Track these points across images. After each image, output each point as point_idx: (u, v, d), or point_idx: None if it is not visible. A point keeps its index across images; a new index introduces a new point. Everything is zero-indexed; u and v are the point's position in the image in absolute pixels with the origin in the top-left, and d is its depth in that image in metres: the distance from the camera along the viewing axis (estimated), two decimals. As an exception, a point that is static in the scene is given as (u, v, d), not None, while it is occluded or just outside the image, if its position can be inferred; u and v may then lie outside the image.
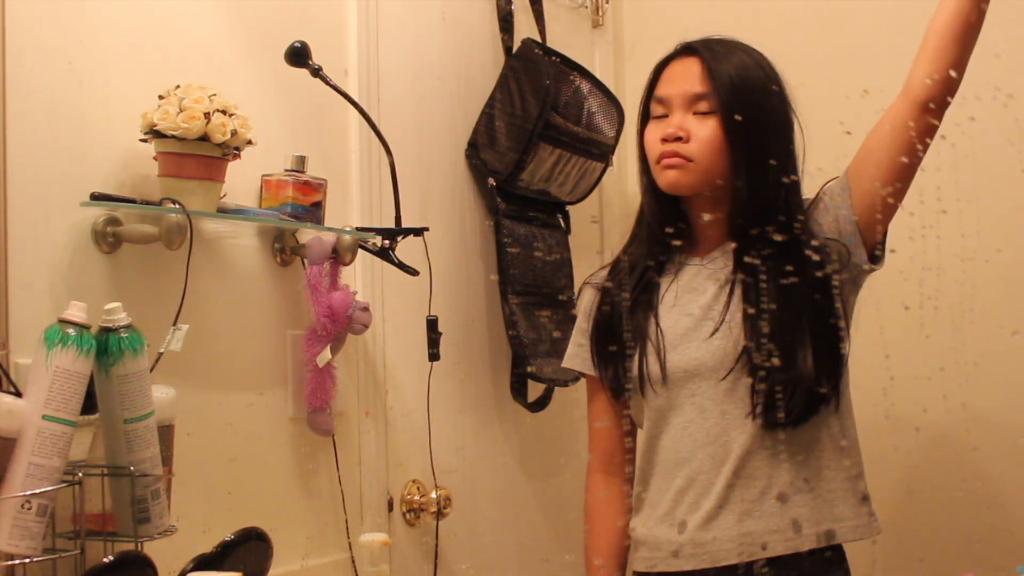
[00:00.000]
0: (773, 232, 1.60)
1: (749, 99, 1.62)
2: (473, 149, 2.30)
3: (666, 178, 1.65)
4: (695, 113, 1.64)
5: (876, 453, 2.15)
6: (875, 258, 1.65)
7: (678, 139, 1.63)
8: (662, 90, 1.68)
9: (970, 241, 2.14)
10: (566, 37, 2.56)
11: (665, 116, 1.66)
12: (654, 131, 1.67)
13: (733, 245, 1.66)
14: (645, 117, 1.71)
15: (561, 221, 2.47)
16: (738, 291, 1.63)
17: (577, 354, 1.78)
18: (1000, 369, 2.18)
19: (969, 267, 2.13)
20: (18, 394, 1.36)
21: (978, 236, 2.15)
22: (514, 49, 2.35)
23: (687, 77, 1.66)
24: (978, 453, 2.20)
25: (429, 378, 2.06)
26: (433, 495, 2.08)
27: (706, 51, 1.66)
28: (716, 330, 1.62)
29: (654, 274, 1.70)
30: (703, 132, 1.62)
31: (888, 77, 2.31)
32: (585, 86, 2.36)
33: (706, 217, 1.67)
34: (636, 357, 1.66)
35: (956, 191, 2.16)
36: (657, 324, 1.66)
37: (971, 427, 2.19)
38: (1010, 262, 2.18)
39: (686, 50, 1.69)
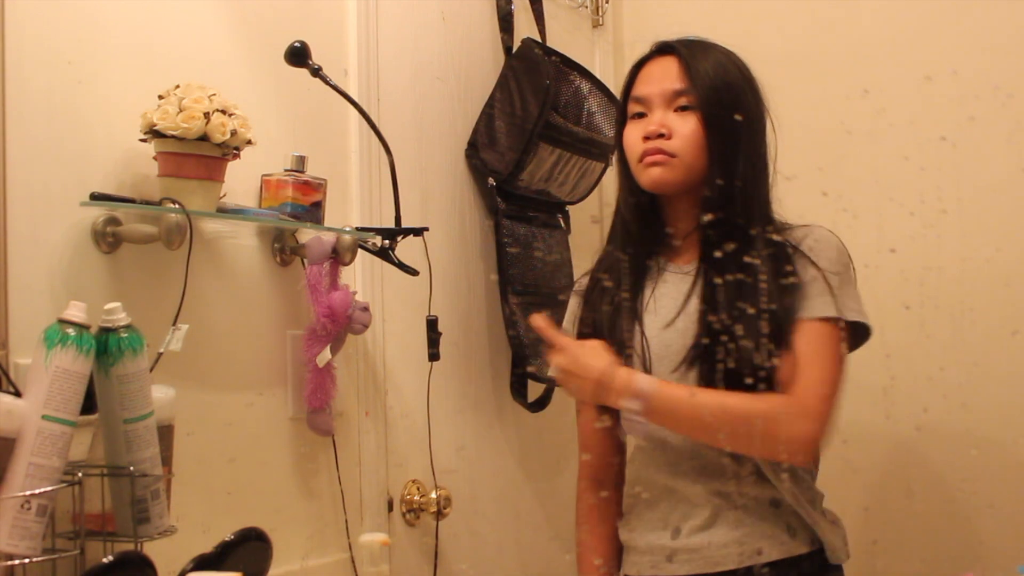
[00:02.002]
0: (748, 232, 1.59)
1: (727, 96, 1.62)
2: (473, 149, 2.30)
3: (650, 176, 1.64)
4: (675, 110, 1.63)
5: (876, 453, 2.15)
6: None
7: (660, 136, 1.62)
8: (640, 89, 1.68)
9: (970, 241, 2.14)
10: (566, 37, 2.56)
11: (644, 115, 1.66)
12: (634, 130, 1.66)
13: (705, 251, 1.65)
14: (623, 119, 1.70)
15: (561, 221, 2.47)
16: (717, 296, 1.62)
17: None
18: (1000, 369, 2.18)
19: (969, 267, 2.14)
20: (18, 394, 1.36)
21: (978, 236, 2.15)
22: (514, 49, 2.36)
23: (666, 75, 1.65)
24: (978, 453, 2.20)
25: (429, 378, 2.06)
26: (433, 495, 2.08)
27: (684, 49, 1.66)
28: (699, 339, 1.61)
29: (635, 282, 1.69)
30: (685, 128, 1.62)
31: (888, 77, 2.33)
32: (585, 86, 2.36)
33: (685, 219, 1.66)
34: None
35: (956, 191, 2.16)
36: (643, 334, 1.65)
37: (971, 427, 2.19)
38: (1010, 262, 2.18)
39: (663, 49, 1.69)
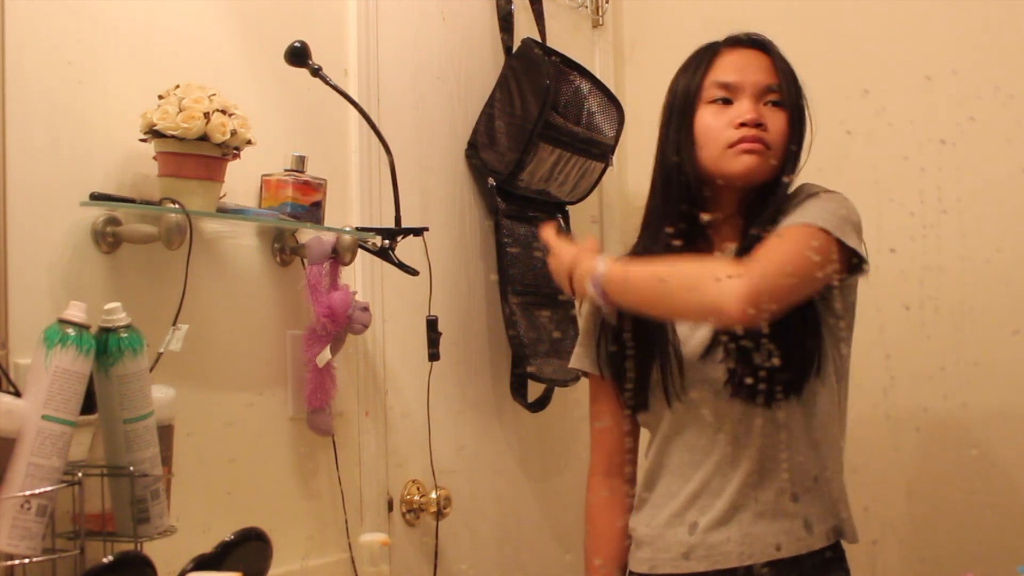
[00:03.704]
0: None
1: (801, 99, 1.65)
2: (473, 149, 2.30)
3: (744, 163, 1.61)
4: (765, 104, 1.63)
5: (876, 453, 2.16)
6: (853, 270, 1.58)
7: (758, 125, 1.61)
8: (729, 76, 1.65)
9: (970, 241, 2.14)
10: (566, 37, 2.56)
11: (727, 102, 1.64)
12: (720, 116, 1.63)
13: (742, 246, 1.65)
14: (694, 100, 1.66)
15: (561, 221, 2.47)
16: None
17: (583, 354, 1.76)
18: (1000, 369, 2.18)
19: (969, 267, 2.14)
20: (18, 394, 1.36)
21: (978, 236, 2.15)
22: (514, 49, 2.36)
23: (759, 67, 1.65)
24: (978, 453, 2.20)
25: (429, 378, 2.06)
26: (433, 495, 2.08)
27: (771, 46, 1.67)
28: (735, 336, 1.60)
29: None
30: (779, 123, 1.63)
31: (888, 77, 2.33)
32: (585, 86, 2.36)
33: (724, 214, 1.65)
34: (654, 366, 1.64)
35: (956, 191, 2.16)
36: (674, 330, 1.64)
37: (971, 427, 2.19)
38: (1010, 262, 2.18)
39: (751, 42, 1.68)
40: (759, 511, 1.59)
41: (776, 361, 1.50)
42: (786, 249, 1.48)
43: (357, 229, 1.89)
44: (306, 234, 1.84)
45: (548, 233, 1.62)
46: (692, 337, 1.63)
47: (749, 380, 1.56)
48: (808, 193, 1.60)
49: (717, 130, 1.63)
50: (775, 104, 1.63)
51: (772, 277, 1.42)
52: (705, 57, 1.68)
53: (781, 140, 1.62)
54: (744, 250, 1.58)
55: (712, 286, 1.41)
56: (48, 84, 1.50)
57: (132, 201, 1.57)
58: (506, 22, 2.37)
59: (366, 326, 1.87)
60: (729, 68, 1.66)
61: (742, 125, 1.61)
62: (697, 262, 1.54)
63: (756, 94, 1.63)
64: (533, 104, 2.25)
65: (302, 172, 1.78)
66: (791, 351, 1.55)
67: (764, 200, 1.62)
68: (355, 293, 1.87)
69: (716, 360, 1.61)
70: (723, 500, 1.60)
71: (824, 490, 1.63)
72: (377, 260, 1.93)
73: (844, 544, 1.66)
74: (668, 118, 1.68)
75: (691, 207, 1.66)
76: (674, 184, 1.66)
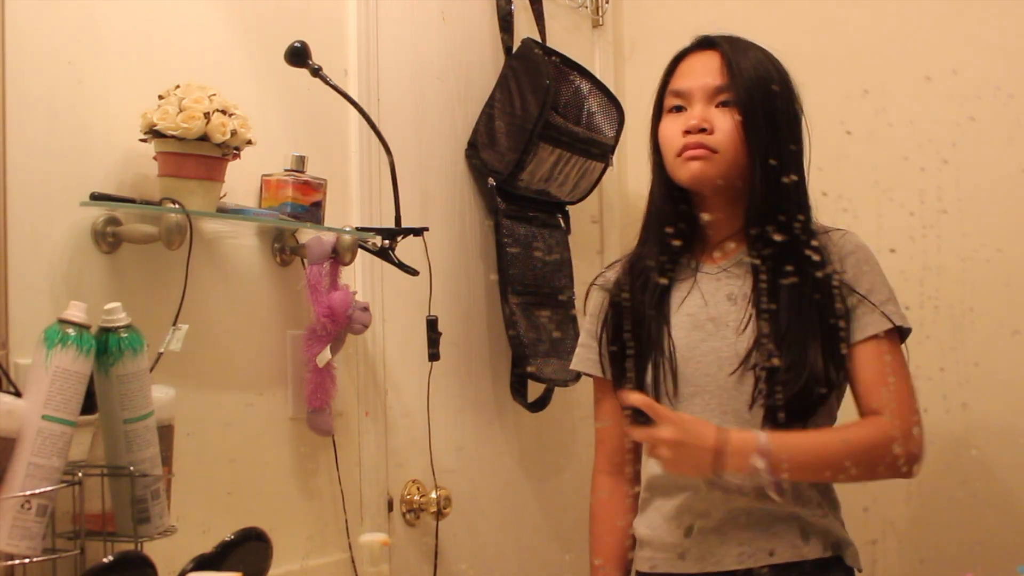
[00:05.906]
0: (789, 233, 1.58)
1: (767, 95, 1.61)
2: (473, 149, 2.30)
3: (689, 170, 1.62)
4: (716, 105, 1.62)
5: (876, 453, 2.15)
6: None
7: (702, 130, 1.61)
8: (680, 83, 1.66)
9: (970, 241, 2.14)
10: (566, 37, 2.56)
11: (682, 109, 1.65)
12: (672, 124, 1.65)
13: (748, 250, 1.65)
14: (658, 112, 1.69)
15: (561, 221, 2.46)
16: (755, 299, 1.62)
17: (586, 356, 1.77)
18: (1000, 369, 2.18)
19: (969, 267, 2.14)
20: (18, 394, 1.36)
21: (978, 236, 2.15)
22: (514, 49, 2.36)
23: (707, 70, 1.64)
24: (978, 453, 2.20)
25: (429, 378, 2.06)
26: (433, 495, 2.08)
27: (726, 45, 1.65)
28: (732, 341, 1.61)
29: (667, 280, 1.67)
30: (727, 123, 1.61)
31: (888, 77, 2.33)
32: (585, 86, 2.36)
33: (721, 217, 1.65)
34: (650, 368, 1.65)
35: (956, 191, 2.16)
36: (669, 334, 1.65)
37: (971, 427, 2.19)
38: (1010, 262, 2.18)
39: (705, 44, 1.68)
40: (754, 517, 1.60)
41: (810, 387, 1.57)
42: (905, 379, 1.60)
43: (357, 229, 1.89)
44: (306, 234, 1.84)
45: (645, 402, 1.53)
46: (687, 338, 1.64)
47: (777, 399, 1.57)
48: (858, 267, 1.62)
49: (669, 139, 1.65)
50: (725, 104, 1.62)
51: (919, 418, 1.57)
52: (669, 66, 1.70)
53: (730, 140, 1.60)
54: (752, 250, 1.62)
55: (896, 455, 1.53)
56: (48, 84, 1.50)
57: (132, 201, 1.57)
58: (506, 22, 2.37)
59: (366, 326, 1.87)
60: (681, 75, 1.68)
61: (687, 132, 1.62)
62: (861, 431, 1.57)
63: (705, 97, 1.63)
64: (533, 104, 2.25)
65: (302, 172, 1.78)
66: (816, 376, 1.57)
67: (765, 201, 1.62)
68: (355, 293, 1.87)
69: (710, 366, 1.62)
70: (719, 504, 1.61)
71: (824, 500, 1.63)
72: (377, 260, 1.93)
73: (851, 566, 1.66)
74: (651, 127, 1.72)
75: (688, 208, 1.67)
76: (662, 188, 1.69)
